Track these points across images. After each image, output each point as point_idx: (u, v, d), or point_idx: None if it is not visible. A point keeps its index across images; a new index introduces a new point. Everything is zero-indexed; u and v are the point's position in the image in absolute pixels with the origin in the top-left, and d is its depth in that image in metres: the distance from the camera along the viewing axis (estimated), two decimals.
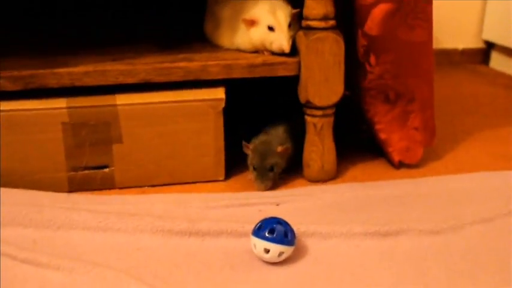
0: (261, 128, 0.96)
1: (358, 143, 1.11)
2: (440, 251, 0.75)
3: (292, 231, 0.73)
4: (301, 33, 0.89)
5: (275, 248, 0.71)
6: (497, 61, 1.78)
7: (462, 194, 0.91)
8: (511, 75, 1.69)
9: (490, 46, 1.81)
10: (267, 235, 0.71)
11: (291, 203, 0.87)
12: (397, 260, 0.73)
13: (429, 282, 0.69)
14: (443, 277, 0.70)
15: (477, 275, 0.70)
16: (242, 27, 0.92)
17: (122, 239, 0.77)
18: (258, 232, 0.72)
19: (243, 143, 0.91)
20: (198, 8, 1.08)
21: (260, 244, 0.71)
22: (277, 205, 0.86)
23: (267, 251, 0.71)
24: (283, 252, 0.71)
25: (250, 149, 0.91)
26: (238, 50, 0.95)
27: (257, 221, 0.76)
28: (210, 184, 0.94)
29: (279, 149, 0.90)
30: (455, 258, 0.74)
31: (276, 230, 0.71)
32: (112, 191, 0.92)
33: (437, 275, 0.70)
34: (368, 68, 0.93)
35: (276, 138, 0.93)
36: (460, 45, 1.82)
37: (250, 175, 0.93)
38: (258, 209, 0.85)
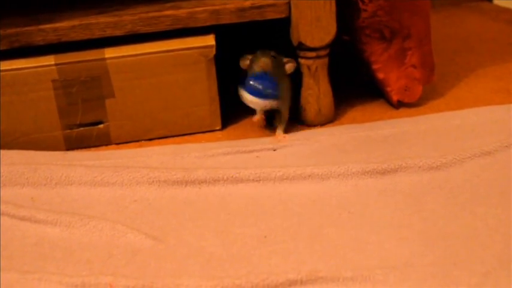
0: None
1: (357, 86, 1.09)
2: (440, 186, 0.75)
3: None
4: None
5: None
6: None
7: (462, 129, 0.89)
8: None
9: None
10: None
11: (288, 147, 0.86)
12: (396, 197, 0.73)
13: (428, 216, 0.68)
14: (442, 211, 0.69)
15: (477, 208, 0.70)
16: None
17: (118, 192, 0.77)
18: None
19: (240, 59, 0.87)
20: None
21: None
22: (275, 150, 0.85)
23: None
24: None
25: (250, 58, 0.86)
26: None
27: (254, 167, 0.75)
28: (207, 134, 0.93)
29: (285, 60, 0.87)
30: (454, 192, 0.73)
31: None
32: (109, 146, 0.91)
33: (436, 209, 0.70)
34: (361, 5, 0.90)
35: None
36: None
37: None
38: (255, 155, 0.84)
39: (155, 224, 0.70)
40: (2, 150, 0.86)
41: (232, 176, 0.76)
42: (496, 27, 1.48)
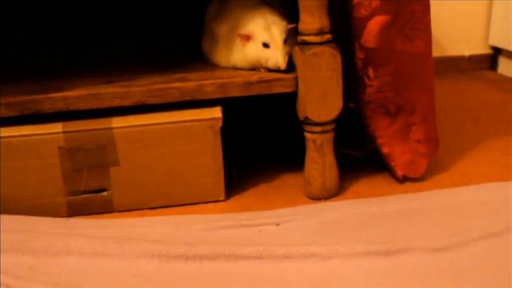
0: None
1: (363, 156, 1.09)
2: (445, 269, 0.73)
3: None
4: (297, 48, 0.87)
5: None
6: (505, 66, 1.75)
7: (468, 207, 0.88)
8: None
9: (497, 51, 1.79)
10: None
11: (292, 222, 0.85)
12: (400, 280, 0.71)
13: None
14: None
15: None
16: (238, 44, 0.92)
17: (119, 265, 0.76)
18: None
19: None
20: (199, 25, 1.07)
21: None
22: (278, 225, 0.84)
23: None
24: None
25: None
26: (235, 68, 0.94)
27: (256, 243, 0.74)
28: (210, 205, 0.92)
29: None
30: (460, 277, 0.71)
31: None
32: (111, 214, 0.91)
33: None
34: (367, 81, 0.91)
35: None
36: (467, 52, 1.80)
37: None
38: (258, 229, 0.83)
39: None
40: (2, 215, 0.85)
41: (233, 253, 0.75)
42: (500, 98, 1.50)
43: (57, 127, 0.86)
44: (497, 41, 1.74)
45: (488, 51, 1.80)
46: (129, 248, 0.77)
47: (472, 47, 1.80)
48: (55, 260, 0.77)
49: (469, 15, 1.76)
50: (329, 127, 0.90)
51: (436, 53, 1.75)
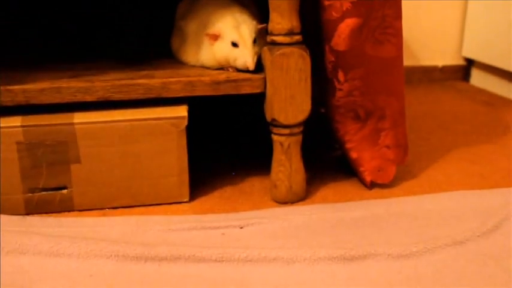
0: None
1: (332, 161, 1.08)
2: (409, 277, 0.72)
3: None
4: (266, 48, 0.86)
5: None
6: (477, 78, 1.76)
7: (435, 215, 0.87)
8: (491, 92, 1.68)
9: (470, 63, 1.80)
10: None
11: (256, 225, 0.83)
12: (363, 286, 0.70)
13: None
14: None
15: None
16: (206, 42, 0.90)
17: (75, 265, 0.73)
18: None
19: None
20: (169, 23, 1.05)
21: None
22: (241, 228, 0.82)
23: None
24: None
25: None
26: (203, 67, 0.92)
27: (218, 245, 0.72)
28: (174, 206, 0.90)
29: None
30: (423, 284, 0.70)
31: None
32: (71, 213, 0.88)
33: None
34: (337, 84, 0.90)
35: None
36: (440, 63, 1.81)
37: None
38: (221, 232, 0.81)
39: None
40: None
41: (194, 255, 0.73)
42: (472, 108, 1.50)
43: (16, 121, 0.83)
44: (470, 53, 1.75)
45: (461, 62, 1.81)
46: (86, 247, 0.74)
47: (446, 57, 1.81)
48: (7, 259, 0.74)
49: (443, 27, 1.77)
50: (297, 130, 0.88)
51: (410, 62, 1.76)
